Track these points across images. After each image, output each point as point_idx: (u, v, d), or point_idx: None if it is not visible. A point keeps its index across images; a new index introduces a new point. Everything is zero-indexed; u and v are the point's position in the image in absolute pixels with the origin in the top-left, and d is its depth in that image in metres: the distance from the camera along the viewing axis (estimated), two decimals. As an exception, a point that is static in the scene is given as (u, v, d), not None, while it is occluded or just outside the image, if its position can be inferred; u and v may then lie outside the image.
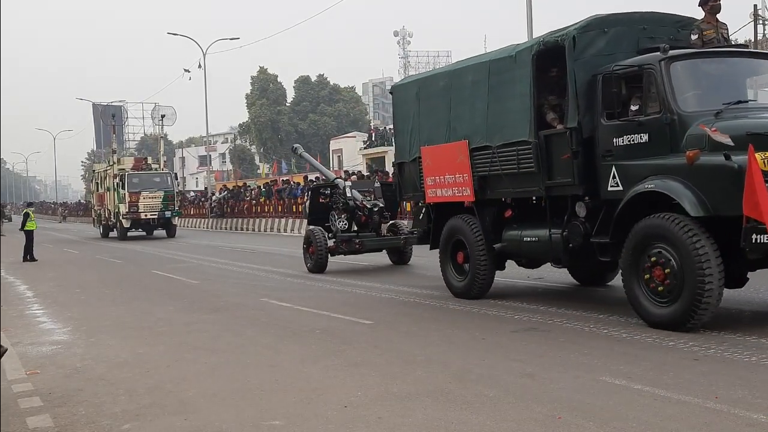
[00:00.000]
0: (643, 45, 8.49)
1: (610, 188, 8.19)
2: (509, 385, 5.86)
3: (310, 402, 5.68)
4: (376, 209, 15.61)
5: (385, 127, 56.79)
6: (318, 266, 14.85)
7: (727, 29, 8.71)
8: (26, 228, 21.86)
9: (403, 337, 8.10)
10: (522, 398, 5.49)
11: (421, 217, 11.96)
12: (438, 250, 11.03)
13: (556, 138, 8.79)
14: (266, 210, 36.66)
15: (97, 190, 37.72)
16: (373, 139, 50.79)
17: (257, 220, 36.64)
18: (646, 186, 7.60)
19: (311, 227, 15.52)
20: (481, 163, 9.92)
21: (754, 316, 8.37)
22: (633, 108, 7.99)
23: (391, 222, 16.04)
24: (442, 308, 9.94)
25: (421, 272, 14.43)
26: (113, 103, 71.27)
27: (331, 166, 57.68)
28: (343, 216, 15.55)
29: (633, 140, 7.93)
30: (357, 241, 15.09)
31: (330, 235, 15.24)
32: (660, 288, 7.44)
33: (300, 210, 33.14)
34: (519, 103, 9.16)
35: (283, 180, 40.83)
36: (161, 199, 32.71)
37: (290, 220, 33.28)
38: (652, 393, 5.43)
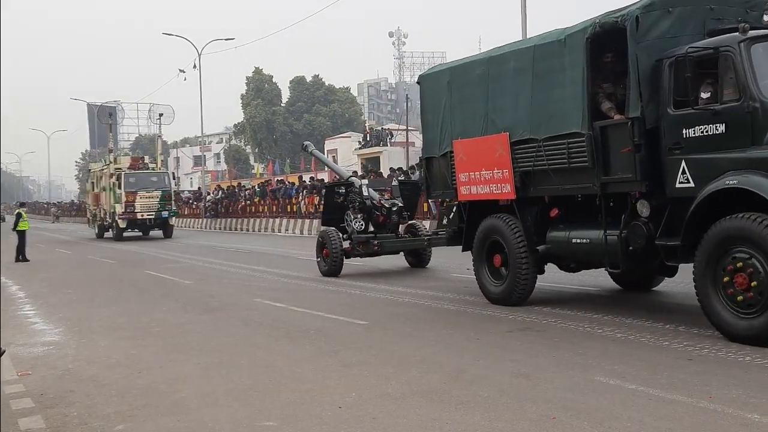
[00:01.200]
0: (711, 26, 7.70)
1: (678, 185, 7.39)
2: (504, 385, 5.85)
3: (304, 403, 5.65)
4: (395, 209, 14.86)
5: (381, 128, 56.82)
6: (333, 269, 14.06)
7: None
8: (18, 228, 21.78)
9: (397, 337, 8.08)
10: (516, 398, 5.47)
11: (451, 217, 11.10)
12: (471, 252, 10.32)
13: (613, 129, 8.01)
14: (261, 210, 36.62)
15: (93, 190, 37.49)
16: (368, 139, 50.77)
17: (251, 220, 36.59)
18: (728, 182, 6.80)
19: (325, 228, 14.83)
20: (524, 157, 9.12)
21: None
22: (704, 96, 7.20)
23: (409, 222, 15.31)
24: (438, 309, 9.92)
25: (430, 274, 14.41)
26: (108, 103, 71.06)
27: (325, 166, 57.60)
28: (359, 216, 14.75)
29: (707, 131, 7.11)
30: (375, 242, 14.20)
31: (345, 236, 14.52)
32: (741, 297, 6.69)
33: (295, 210, 33.15)
34: (570, 91, 8.39)
35: (277, 180, 40.75)
36: (158, 199, 32.42)
37: (284, 220, 33.24)
38: (646, 393, 5.42)
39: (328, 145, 59.27)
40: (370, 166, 40.30)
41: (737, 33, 7.05)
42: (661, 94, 7.54)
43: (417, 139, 54.53)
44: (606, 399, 5.34)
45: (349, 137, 59.46)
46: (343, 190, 15.27)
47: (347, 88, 79.62)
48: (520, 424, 4.90)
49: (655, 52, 7.62)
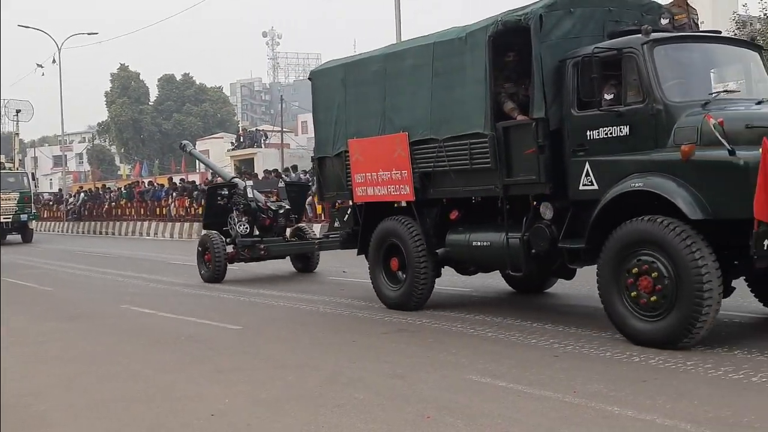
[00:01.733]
0: (610, 28, 7.71)
1: (582, 187, 7.29)
2: (379, 387, 5.89)
3: (175, 412, 5.47)
4: (281, 211, 14.31)
5: (255, 129, 56.10)
6: (215, 275, 13.42)
7: (697, 14, 8.22)
8: None
9: (272, 342, 7.98)
10: (392, 399, 5.52)
11: (346, 219, 10.65)
12: (366, 255, 9.99)
13: (517, 130, 7.85)
14: (128, 213, 35.24)
15: (-60, 192, 34.81)
16: (242, 140, 50.00)
17: (118, 223, 35.12)
18: (634, 184, 6.74)
19: (207, 232, 14.20)
20: (424, 158, 8.84)
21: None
22: (607, 97, 7.12)
23: (296, 225, 14.91)
24: (314, 312, 9.87)
25: (310, 278, 14.30)
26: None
27: (197, 167, 56.26)
28: (243, 219, 14.06)
29: (611, 133, 7.06)
30: (262, 246, 13.70)
31: (228, 240, 13.92)
32: (645, 300, 6.59)
33: (164, 213, 32.12)
34: (471, 91, 8.18)
35: (147, 182, 39.37)
36: (16, 201, 30.49)
37: (154, 224, 32.15)
38: (515, 389, 5.60)
39: (200, 146, 57.74)
40: (244, 167, 39.70)
41: (640, 35, 7.03)
42: (565, 94, 7.46)
43: (292, 141, 54.34)
44: (478, 397, 5.49)
45: (222, 138, 58.38)
46: (226, 192, 14.62)
47: (219, 87, 78.26)
48: (396, 424, 4.95)
49: (559, 52, 7.54)
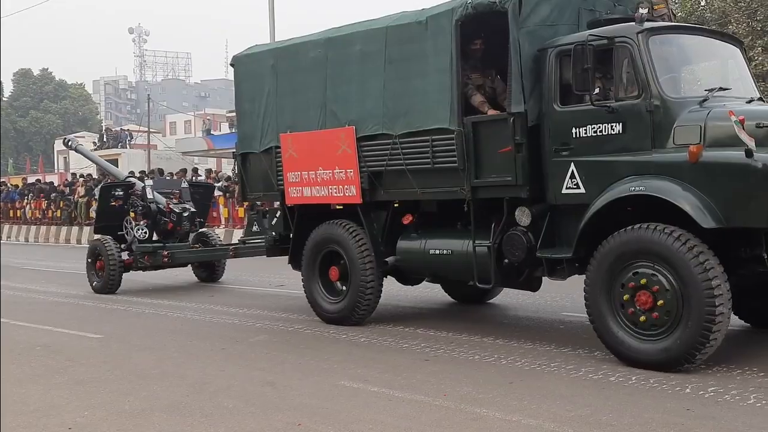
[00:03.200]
0: (585, 17, 7.12)
1: (566, 190, 6.58)
2: (249, 395, 5.75)
3: (30, 426, 5.12)
4: (186, 214, 12.92)
5: (119, 128, 53.94)
6: (109, 285, 12.09)
7: (673, 4, 7.52)
8: None
9: (136, 350, 7.64)
10: (262, 407, 5.41)
11: (274, 223, 9.62)
12: (295, 264, 9.05)
13: (488, 126, 7.10)
14: (-23, 215, 32.96)
15: None
16: (105, 140, 47.94)
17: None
18: (633, 188, 6.07)
19: (99, 237, 12.78)
20: (375, 155, 7.93)
21: (480, 317, 9.02)
22: (594, 92, 6.40)
23: (199, 231, 13.50)
24: (180, 318, 9.55)
25: (185, 285, 13.78)
26: None
27: (56, 167, 53.48)
28: (141, 223, 12.66)
29: (601, 131, 6.36)
30: (165, 253, 12.32)
31: (124, 246, 12.54)
32: (643, 317, 5.97)
33: (19, 215, 30.33)
34: (434, 81, 7.36)
35: (-1, 182, 36.97)
36: None
37: (6, 227, 30.26)
38: (387, 394, 5.63)
39: (59, 145, 55.02)
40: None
41: (633, 23, 6.39)
42: (545, 87, 6.73)
43: (159, 142, 52.64)
44: (350, 402, 5.47)
45: (83, 137, 55.68)
46: (122, 193, 13.06)
47: (81, 84, 74.86)
48: (267, 433, 4.85)
49: (537, 40, 6.83)
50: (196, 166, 28.45)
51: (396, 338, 7.67)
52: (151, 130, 44.41)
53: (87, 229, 24.52)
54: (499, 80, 7.65)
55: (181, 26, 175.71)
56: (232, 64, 9.77)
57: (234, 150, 9.89)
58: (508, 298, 9.78)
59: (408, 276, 8.81)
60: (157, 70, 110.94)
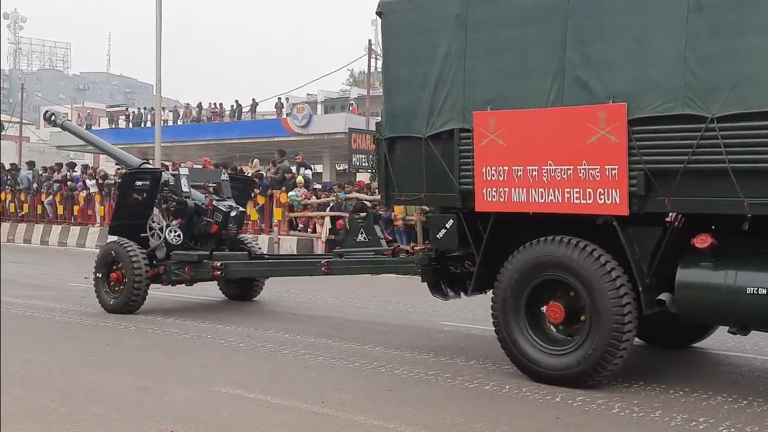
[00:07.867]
0: None
1: None
2: (120, 400, 5.55)
3: None
4: (234, 214, 10.19)
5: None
6: (132, 301, 9.33)
7: None
8: None
9: (-3, 352, 7.19)
10: (133, 413, 5.22)
11: (440, 236, 6.93)
12: (482, 291, 6.87)
13: None
14: None
15: None
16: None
17: None
18: None
19: (116, 239, 9.81)
20: (663, 147, 5.61)
21: (360, 326, 9.06)
22: None
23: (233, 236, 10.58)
24: (52, 320, 9.07)
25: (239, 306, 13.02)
26: None
27: None
28: (174, 223, 9.98)
29: None
30: (217, 264, 9.45)
31: (147, 251, 9.68)
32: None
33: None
34: None
35: None
36: None
37: None
38: (265, 401, 5.56)
39: None
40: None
41: None
42: None
43: (33, 134, 50.03)
44: (227, 409, 5.36)
45: (-52, 126, 52.32)
46: (148, 183, 10.06)
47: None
48: (138, 440, 4.68)
49: None
50: (72, 161, 27.13)
51: (276, 345, 7.59)
52: (23, 121, 42.15)
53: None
54: None
55: (61, 14, 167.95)
56: (379, 13, 7.11)
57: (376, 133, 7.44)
58: (389, 305, 9.87)
59: (690, 320, 6.34)
60: (33, 59, 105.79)
